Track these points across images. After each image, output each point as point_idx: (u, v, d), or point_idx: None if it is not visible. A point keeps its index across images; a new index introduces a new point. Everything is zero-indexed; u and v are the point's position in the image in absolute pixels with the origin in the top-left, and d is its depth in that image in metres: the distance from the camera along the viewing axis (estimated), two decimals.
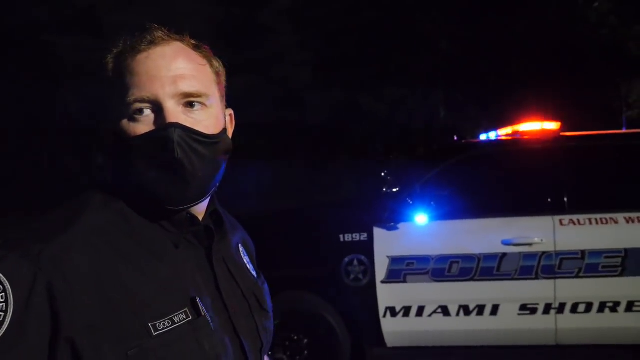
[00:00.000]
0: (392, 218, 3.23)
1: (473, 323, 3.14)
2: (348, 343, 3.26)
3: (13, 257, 0.68)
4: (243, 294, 0.88)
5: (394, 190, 3.41)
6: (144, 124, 0.75)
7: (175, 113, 0.75)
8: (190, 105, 0.77)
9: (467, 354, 3.29)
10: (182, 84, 0.76)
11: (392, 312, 3.18)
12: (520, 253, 3.08)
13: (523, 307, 3.10)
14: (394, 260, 3.17)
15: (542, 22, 11.09)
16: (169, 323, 0.73)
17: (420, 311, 3.17)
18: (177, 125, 0.74)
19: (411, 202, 3.23)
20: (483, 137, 4.21)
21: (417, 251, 3.17)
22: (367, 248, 3.19)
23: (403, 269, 3.16)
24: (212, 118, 0.80)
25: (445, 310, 3.15)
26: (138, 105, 0.75)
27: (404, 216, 3.22)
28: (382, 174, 3.34)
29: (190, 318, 0.75)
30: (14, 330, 0.65)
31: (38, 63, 13.45)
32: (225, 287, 0.84)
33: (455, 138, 4.41)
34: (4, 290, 0.66)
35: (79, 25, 13.06)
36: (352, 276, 3.19)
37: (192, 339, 0.74)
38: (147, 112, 0.75)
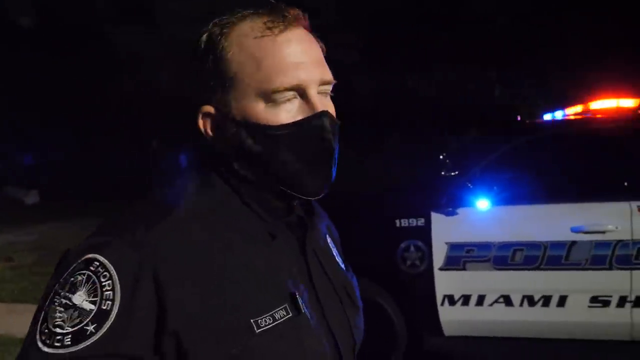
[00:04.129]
0: (450, 203, 3.09)
1: (538, 314, 2.97)
2: (404, 330, 3.18)
3: (117, 243, 0.64)
4: (334, 289, 0.81)
5: (453, 173, 3.26)
6: (287, 112, 0.70)
7: (321, 101, 0.72)
8: (325, 93, 0.74)
9: (529, 346, 3.13)
10: (322, 71, 0.73)
11: (451, 300, 3.06)
12: (591, 241, 2.87)
13: (594, 299, 2.90)
14: (453, 246, 3.04)
15: None
16: (270, 320, 0.68)
17: (480, 300, 3.03)
18: (327, 114, 0.71)
19: (471, 186, 3.09)
20: (547, 116, 3.95)
21: (478, 238, 3.02)
22: (424, 234, 3.07)
23: (462, 256, 3.03)
24: (333, 107, 0.76)
25: (507, 300, 3.00)
26: (285, 93, 0.70)
27: (463, 201, 3.07)
28: (440, 157, 3.20)
29: (290, 315, 0.70)
30: (122, 320, 0.61)
31: (100, 53, 13.96)
32: (318, 281, 0.78)
33: (518, 118, 4.17)
34: (110, 278, 0.62)
35: (134, 15, 13.40)
36: (408, 262, 3.09)
37: (293, 337, 0.69)
38: (293, 99, 0.71)
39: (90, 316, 0.61)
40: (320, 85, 0.72)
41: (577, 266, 2.89)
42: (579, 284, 2.90)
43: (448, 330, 3.11)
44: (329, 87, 0.75)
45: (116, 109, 14.59)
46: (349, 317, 0.81)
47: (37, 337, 0.61)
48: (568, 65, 10.78)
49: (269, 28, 0.70)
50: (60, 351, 0.59)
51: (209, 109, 0.73)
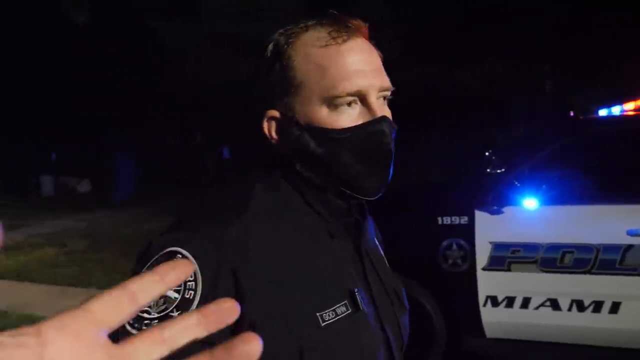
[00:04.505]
0: (496, 201, 2.98)
1: (588, 320, 2.83)
2: (444, 330, 3.11)
3: (199, 240, 0.69)
4: (385, 290, 0.85)
5: (499, 171, 3.15)
6: (349, 117, 0.75)
7: (381, 106, 0.77)
8: (384, 99, 0.79)
9: (576, 353, 2.99)
10: (382, 79, 0.77)
11: (494, 301, 2.97)
12: None
13: None
14: (497, 246, 2.94)
15: None
16: (333, 314, 0.72)
17: (525, 302, 2.92)
18: (386, 119, 0.76)
19: (518, 184, 2.97)
20: (603, 112, 3.74)
21: (524, 238, 2.91)
22: (468, 232, 2.98)
23: (507, 256, 2.92)
24: (390, 112, 0.81)
25: (554, 304, 2.88)
26: (347, 99, 0.74)
27: (509, 199, 2.96)
28: (486, 154, 3.09)
29: (350, 311, 0.74)
30: None
31: (146, 47, 14.38)
32: (373, 281, 0.82)
33: (571, 113, 3.97)
34: (194, 270, 0.66)
35: (180, 11, 13.69)
36: (450, 261, 3.01)
37: (352, 333, 0.73)
38: (354, 105, 0.75)
39: (175, 303, 0.65)
40: (379, 92, 0.77)
41: (632, 272, 2.73)
42: (635, 290, 2.74)
43: (490, 332, 3.02)
44: (388, 94, 0.79)
45: (162, 103, 15.00)
46: (398, 317, 0.85)
47: None
48: (625, 58, 10.21)
49: (333, 38, 0.75)
50: None
51: (274, 113, 0.78)
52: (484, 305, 2.98)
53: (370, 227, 0.92)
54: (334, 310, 0.72)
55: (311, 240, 0.76)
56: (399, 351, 0.83)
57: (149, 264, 0.68)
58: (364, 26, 0.79)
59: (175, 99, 14.84)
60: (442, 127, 14.29)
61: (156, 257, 0.68)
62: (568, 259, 2.82)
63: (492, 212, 2.98)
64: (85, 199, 12.73)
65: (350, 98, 0.75)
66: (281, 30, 0.79)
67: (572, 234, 2.85)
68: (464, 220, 3.02)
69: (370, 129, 0.75)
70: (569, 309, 2.85)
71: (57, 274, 5.67)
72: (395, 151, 0.79)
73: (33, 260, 6.34)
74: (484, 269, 2.95)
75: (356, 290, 0.75)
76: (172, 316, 0.63)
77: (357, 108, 0.76)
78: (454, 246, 3.00)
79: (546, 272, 2.86)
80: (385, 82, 0.78)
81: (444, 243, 3.02)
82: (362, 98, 0.75)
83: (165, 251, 0.68)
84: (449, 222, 3.05)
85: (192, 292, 0.66)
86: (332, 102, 0.74)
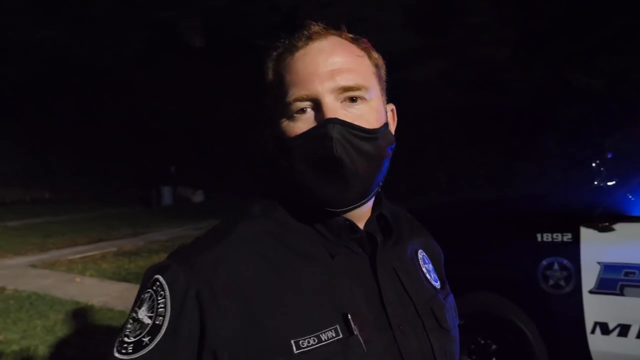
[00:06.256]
0: (605, 217, 2.70)
1: None
2: (545, 356, 2.86)
3: (175, 267, 0.70)
4: (416, 310, 0.77)
5: (609, 183, 2.85)
6: (304, 123, 0.72)
7: (334, 108, 0.71)
8: (350, 100, 0.73)
9: None
10: (340, 78, 0.72)
11: (604, 328, 2.67)
12: None
13: None
14: (607, 267, 2.65)
15: None
16: (314, 340, 0.67)
17: None
18: (335, 121, 0.70)
19: (632, 198, 2.65)
20: None
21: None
22: (572, 251, 2.73)
23: (619, 279, 2.62)
24: (373, 112, 0.74)
25: None
26: (298, 105, 0.72)
27: (621, 215, 2.66)
28: (593, 164, 2.81)
29: (341, 336, 0.68)
30: (170, 335, 0.67)
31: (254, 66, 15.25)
32: (393, 301, 0.75)
33: None
34: (165, 297, 0.68)
35: (284, 28, 14.34)
36: (551, 282, 2.77)
37: (340, 359, 0.68)
38: (307, 110, 0.72)
39: (147, 329, 0.67)
40: (340, 92, 0.72)
41: None
42: None
43: None
44: (357, 93, 0.73)
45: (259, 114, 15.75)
46: (433, 341, 0.76)
47: (115, 343, 0.70)
48: None
49: (293, 46, 0.74)
50: (124, 357, 0.67)
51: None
52: (592, 332, 2.69)
53: (415, 242, 0.87)
54: (316, 336, 0.67)
55: (303, 262, 0.72)
56: None
57: (139, 290, 0.72)
58: (331, 30, 0.75)
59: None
60: (555, 132, 13.22)
61: (145, 284, 0.72)
62: None
63: (602, 229, 2.69)
64: (199, 208, 13.77)
65: (301, 104, 0.72)
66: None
67: None
68: (568, 237, 2.77)
69: (313, 133, 0.71)
70: None
71: None
72: (361, 157, 0.71)
73: (151, 264, 6.99)
74: (591, 291, 2.67)
75: (351, 313, 0.70)
76: (144, 341, 0.66)
77: (311, 114, 0.72)
78: (556, 265, 2.76)
79: None
80: (348, 80, 0.72)
81: (544, 262, 2.79)
82: (316, 102, 0.72)
83: (152, 279, 0.71)
84: (550, 239, 2.81)
85: (162, 319, 0.67)
86: (286, 111, 0.73)
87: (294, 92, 0.71)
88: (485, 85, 14.15)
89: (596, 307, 2.68)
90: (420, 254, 0.87)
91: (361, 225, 0.78)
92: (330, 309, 0.70)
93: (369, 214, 0.79)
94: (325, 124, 0.70)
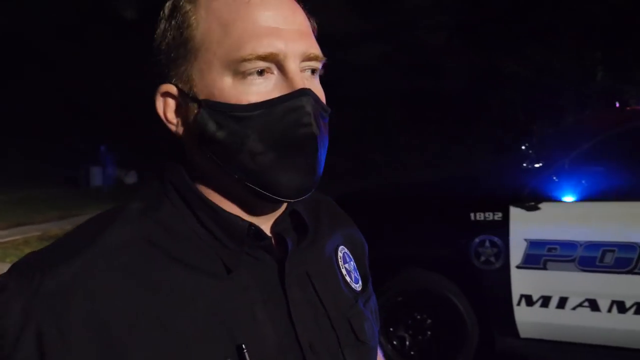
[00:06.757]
0: (532, 196, 2.87)
1: (630, 322, 2.69)
2: (476, 329, 3.04)
3: (11, 289, 0.52)
4: (331, 323, 0.65)
5: (536, 165, 3.03)
6: (260, 89, 0.57)
7: (302, 78, 0.58)
8: (312, 71, 0.61)
9: (616, 356, 2.84)
10: (308, 43, 0.59)
11: (528, 300, 2.87)
12: None
13: None
14: (533, 243, 2.83)
15: None
16: None
17: (562, 303, 2.81)
18: (309, 92, 0.57)
19: (556, 180, 2.84)
20: None
21: (562, 235, 2.79)
22: (502, 229, 2.89)
23: (543, 254, 2.81)
24: (322, 90, 0.63)
25: (593, 305, 2.75)
26: (259, 64, 0.56)
27: (547, 195, 2.84)
28: (522, 147, 2.98)
29: None
30: None
31: None
32: (303, 316, 0.62)
33: (617, 104, 3.77)
34: None
35: None
36: (482, 258, 2.93)
37: None
38: (268, 74, 0.57)
39: None
40: (304, 60, 0.59)
41: None
42: None
43: (524, 332, 2.92)
44: (317, 65, 0.61)
45: None
46: (347, 357, 0.65)
47: None
48: None
49: None
50: None
51: (169, 87, 0.60)
52: (518, 304, 2.88)
53: (336, 236, 0.75)
54: None
55: (188, 278, 0.56)
56: None
57: None
58: None
59: None
60: (485, 118, 13.88)
61: None
62: (609, 257, 2.69)
63: (528, 208, 2.87)
64: (132, 189, 13.24)
65: (261, 63, 0.56)
66: None
67: (614, 231, 2.71)
68: (498, 216, 2.92)
69: (286, 104, 0.56)
70: (609, 310, 2.72)
71: None
72: (324, 140, 0.60)
73: None
74: (518, 266, 2.86)
75: (245, 344, 0.55)
76: None
77: (272, 78, 0.57)
78: (487, 243, 2.92)
79: (585, 271, 2.74)
80: (313, 48, 0.59)
81: (477, 240, 2.94)
82: (279, 65, 0.57)
83: None
84: (482, 217, 2.96)
85: None
86: (238, 69, 0.56)
87: (254, 47, 0.55)
88: (423, 70, 14.56)
89: (522, 281, 2.86)
90: (341, 251, 0.75)
91: (270, 223, 0.65)
92: (222, 339, 0.55)
93: (282, 210, 0.66)
94: (299, 95, 0.57)
